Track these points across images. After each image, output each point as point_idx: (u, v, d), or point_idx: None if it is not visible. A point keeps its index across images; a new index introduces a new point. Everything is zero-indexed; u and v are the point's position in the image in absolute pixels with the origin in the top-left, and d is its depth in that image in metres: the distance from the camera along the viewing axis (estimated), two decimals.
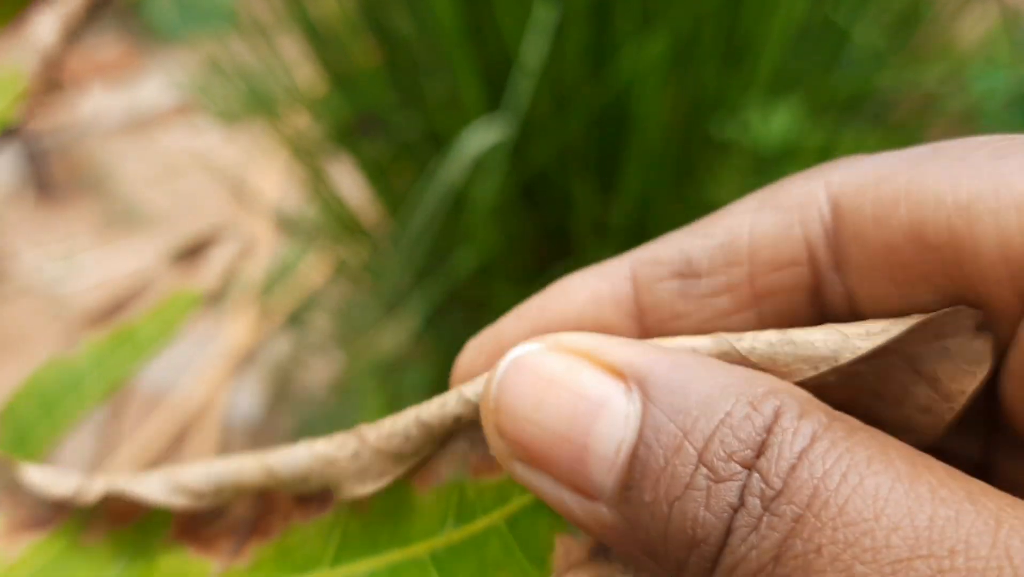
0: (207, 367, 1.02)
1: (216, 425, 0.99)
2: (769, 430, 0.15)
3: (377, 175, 0.84)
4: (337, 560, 0.19)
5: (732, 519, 0.15)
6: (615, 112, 0.72)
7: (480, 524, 0.18)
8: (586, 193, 0.75)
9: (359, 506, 0.20)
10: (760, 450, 0.15)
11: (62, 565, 0.21)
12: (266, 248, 1.06)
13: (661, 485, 0.15)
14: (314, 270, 1.00)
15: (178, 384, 1.02)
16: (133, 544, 0.21)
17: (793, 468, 0.15)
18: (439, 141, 0.75)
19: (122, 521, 0.21)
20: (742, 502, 0.15)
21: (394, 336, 0.80)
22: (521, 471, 0.17)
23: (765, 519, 0.15)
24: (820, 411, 0.15)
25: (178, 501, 0.20)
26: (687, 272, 0.20)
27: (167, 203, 1.28)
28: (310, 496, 0.20)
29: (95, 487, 0.21)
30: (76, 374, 0.35)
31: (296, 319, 0.98)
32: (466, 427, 0.19)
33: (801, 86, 0.75)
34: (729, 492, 0.15)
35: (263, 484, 0.20)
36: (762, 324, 0.19)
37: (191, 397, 1.01)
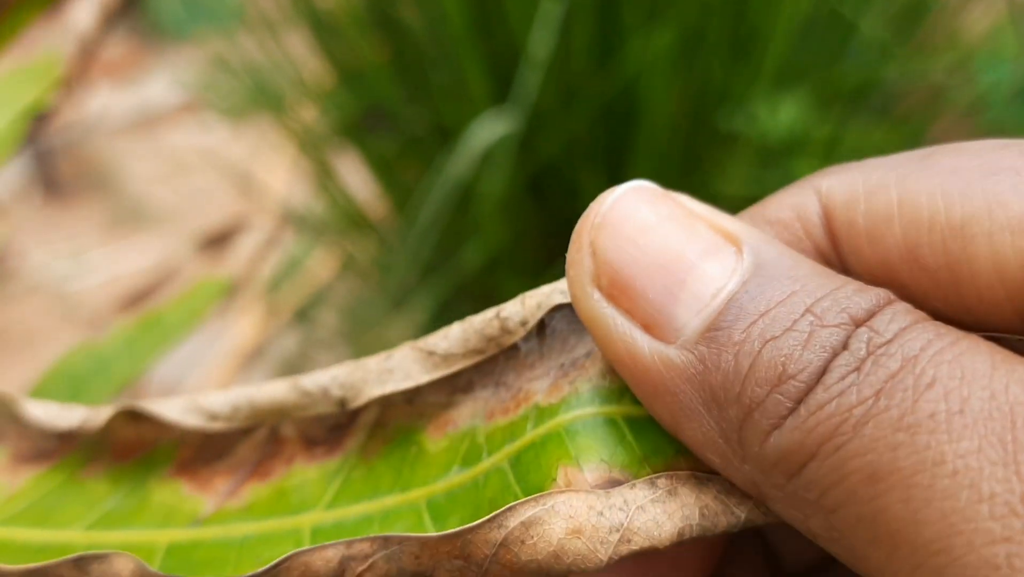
0: (215, 363, 1.03)
1: None
2: (881, 307, 0.15)
3: (384, 169, 0.84)
4: (333, 504, 0.19)
5: (832, 360, 0.15)
6: (622, 104, 0.72)
7: (483, 466, 0.18)
8: (594, 185, 0.75)
9: (367, 452, 0.19)
10: (873, 314, 0.15)
11: (59, 498, 0.20)
12: (274, 244, 1.06)
13: (757, 326, 0.15)
14: (321, 265, 1.00)
15: (187, 380, 1.02)
16: (131, 479, 0.20)
17: (905, 329, 0.15)
18: (446, 135, 0.75)
19: (124, 456, 0.20)
20: (846, 346, 0.15)
21: (401, 331, 0.80)
22: (595, 300, 0.17)
23: (871, 360, 0.14)
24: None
25: (189, 420, 0.20)
26: None
27: (175, 200, 1.28)
28: (319, 439, 0.19)
29: (103, 413, 0.20)
30: (104, 358, 0.35)
31: (304, 315, 0.98)
32: (499, 361, 0.18)
33: (807, 78, 0.75)
34: (833, 336, 0.15)
35: (281, 402, 0.19)
36: None
37: None
